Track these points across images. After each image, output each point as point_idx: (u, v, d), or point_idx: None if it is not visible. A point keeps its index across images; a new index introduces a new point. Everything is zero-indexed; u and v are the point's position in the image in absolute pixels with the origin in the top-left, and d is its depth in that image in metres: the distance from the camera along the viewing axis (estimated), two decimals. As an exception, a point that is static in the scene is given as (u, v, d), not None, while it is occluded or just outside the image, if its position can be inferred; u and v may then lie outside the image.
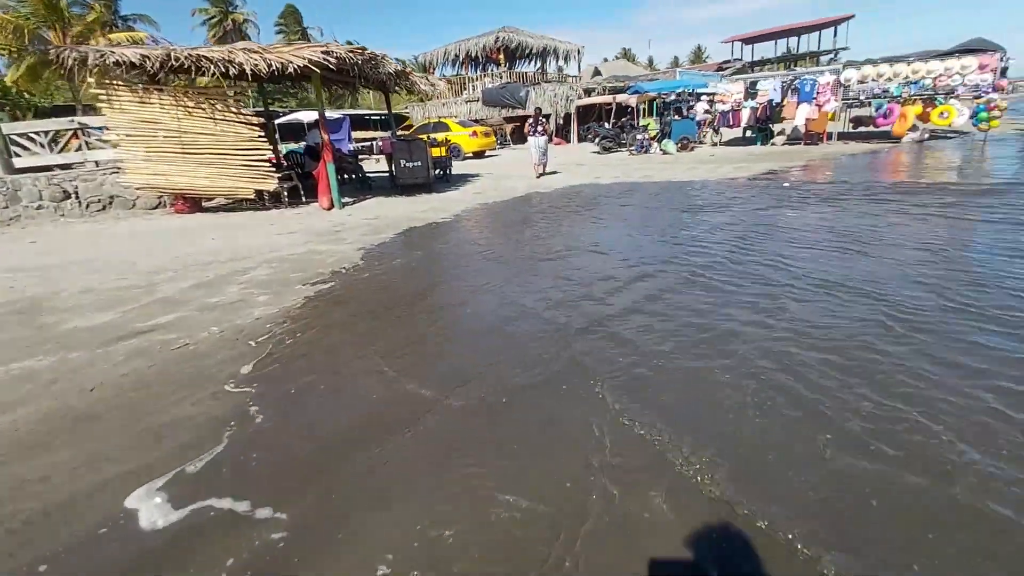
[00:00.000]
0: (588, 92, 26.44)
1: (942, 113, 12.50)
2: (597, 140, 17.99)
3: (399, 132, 17.25)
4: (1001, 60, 11.55)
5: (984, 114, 11.90)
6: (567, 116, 25.95)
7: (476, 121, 23.80)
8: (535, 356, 2.91)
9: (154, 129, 8.22)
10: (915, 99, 13.10)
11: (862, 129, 16.02)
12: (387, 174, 12.10)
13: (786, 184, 8.67)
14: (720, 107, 16.84)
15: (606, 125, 20.53)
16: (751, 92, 16.09)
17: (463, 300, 4.01)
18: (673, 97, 17.81)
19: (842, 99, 14.48)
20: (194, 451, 2.20)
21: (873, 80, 13.55)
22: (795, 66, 30.43)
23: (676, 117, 16.82)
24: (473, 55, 30.34)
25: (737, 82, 16.72)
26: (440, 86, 11.37)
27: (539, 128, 12.04)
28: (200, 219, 8.60)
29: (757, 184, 8.97)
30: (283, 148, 13.70)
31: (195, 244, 6.40)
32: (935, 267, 3.98)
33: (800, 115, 15.03)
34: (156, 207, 9.87)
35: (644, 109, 23.61)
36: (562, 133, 25.80)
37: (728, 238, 5.31)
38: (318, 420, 2.42)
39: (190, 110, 8.09)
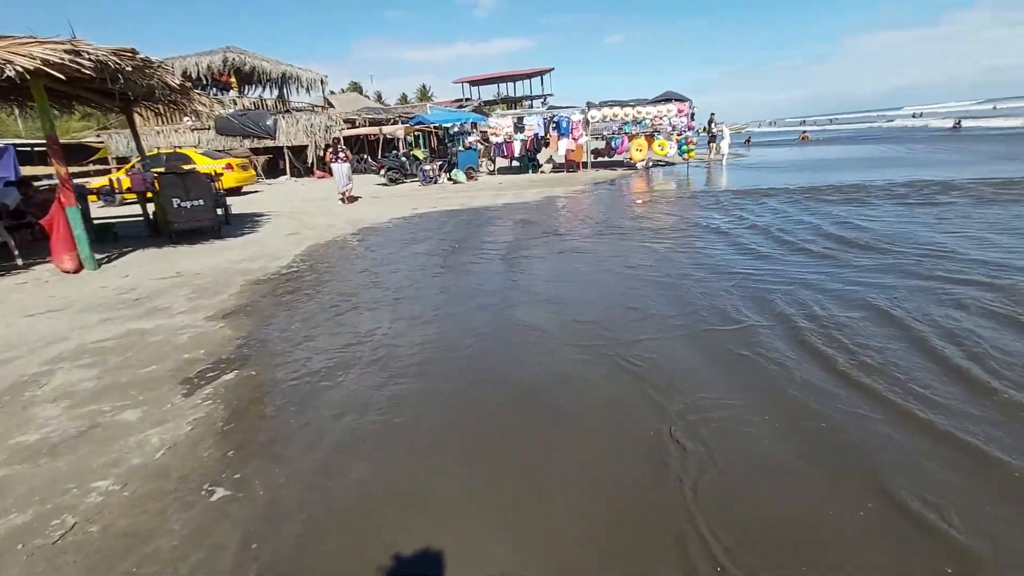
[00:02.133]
0: (351, 123, 25.58)
1: (660, 146, 16.59)
2: (383, 172, 17.51)
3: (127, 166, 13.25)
4: (691, 108, 16.14)
5: (685, 147, 16.36)
6: (327, 147, 24.50)
7: (221, 151, 20.25)
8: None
9: None
10: (640, 134, 16.99)
11: (604, 159, 19.89)
12: (139, 219, 9.20)
13: (609, 186, 10.07)
14: (494, 139, 18.50)
15: (379, 157, 20.20)
16: (519, 127, 18.19)
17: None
18: (456, 129, 18.75)
19: (591, 133, 17.70)
20: None
21: (611, 119, 17.00)
22: (516, 106, 36.12)
23: (461, 148, 17.74)
24: (194, 76, 25.87)
25: (506, 117, 18.68)
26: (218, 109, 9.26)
27: (341, 155, 11.87)
28: None
29: (592, 192, 10.16)
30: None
31: None
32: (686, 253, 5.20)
33: (561, 147, 17.74)
34: None
35: (412, 141, 24.11)
36: (322, 166, 24.21)
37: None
38: None
39: None
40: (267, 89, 29.05)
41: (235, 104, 25.93)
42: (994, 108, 64.21)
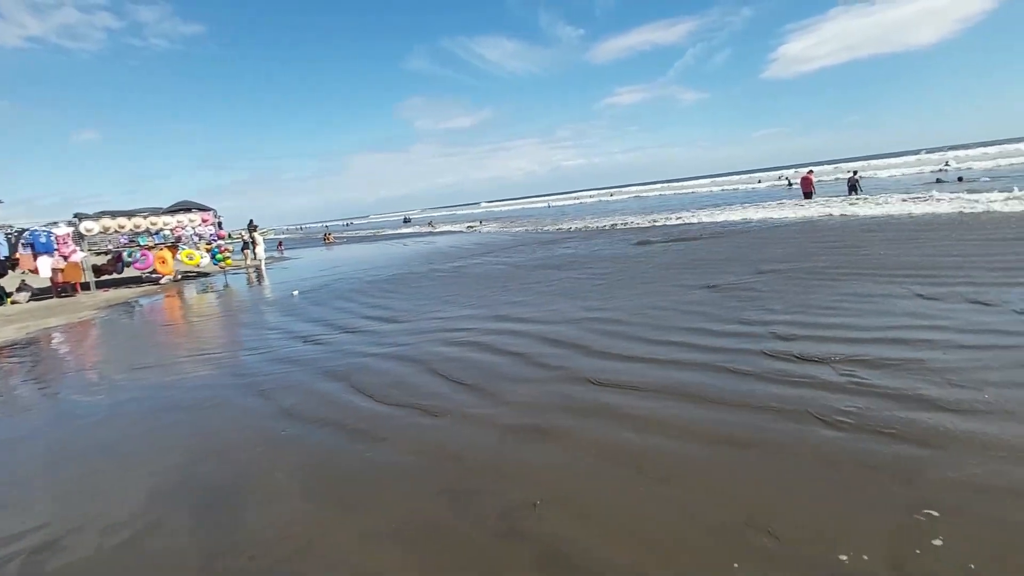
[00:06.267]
0: None
1: (189, 256, 15.79)
2: None
3: None
4: (216, 216, 16.21)
5: (219, 255, 16.23)
6: None
7: None
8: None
9: None
10: (161, 246, 15.65)
11: (113, 276, 16.92)
12: None
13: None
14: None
15: None
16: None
17: None
18: None
19: (88, 248, 14.87)
20: None
21: (117, 231, 14.91)
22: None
23: None
24: None
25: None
26: None
27: None
28: None
29: (106, 320, 8.54)
30: None
31: None
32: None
33: (44, 267, 14.08)
34: None
35: None
36: None
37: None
38: None
39: None
40: None
41: None
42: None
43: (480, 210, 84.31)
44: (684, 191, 52.19)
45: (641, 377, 4.00)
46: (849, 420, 3.00)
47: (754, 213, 17.18)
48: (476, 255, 15.46)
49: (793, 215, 15.56)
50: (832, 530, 2.13)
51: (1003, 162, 30.87)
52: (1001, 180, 20.70)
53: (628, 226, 19.43)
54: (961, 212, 11.80)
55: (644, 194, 58.61)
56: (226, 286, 14.80)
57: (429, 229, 39.88)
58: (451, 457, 3.11)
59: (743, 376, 3.80)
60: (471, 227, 34.65)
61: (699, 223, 17.26)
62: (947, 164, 26.04)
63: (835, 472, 2.55)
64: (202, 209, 16.14)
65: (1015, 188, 13.07)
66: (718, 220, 17.35)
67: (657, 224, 18.67)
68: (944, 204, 12.88)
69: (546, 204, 69.42)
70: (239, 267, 19.48)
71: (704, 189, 49.05)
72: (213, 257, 16.38)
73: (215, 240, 16.49)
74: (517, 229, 25.65)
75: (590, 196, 77.88)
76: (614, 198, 61.21)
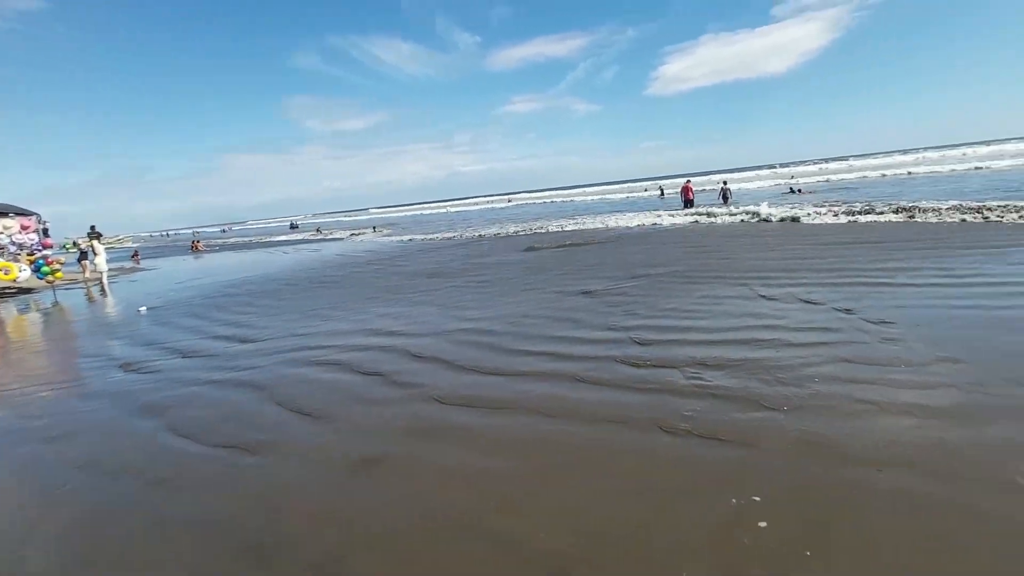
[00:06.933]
0: None
1: (5, 269, 13.17)
2: None
3: None
4: (40, 223, 13.66)
5: (46, 268, 13.71)
6: None
7: None
8: None
9: None
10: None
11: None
12: None
13: None
14: None
15: None
16: None
17: None
18: None
19: None
20: None
21: None
22: None
23: None
24: None
25: None
26: None
27: None
28: None
29: None
30: None
31: None
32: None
33: None
34: None
35: None
36: None
37: None
38: None
39: None
40: None
41: None
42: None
43: (373, 216, 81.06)
44: (579, 198, 54.48)
45: (498, 393, 3.83)
46: (686, 426, 3.04)
47: (640, 220, 18.21)
48: (360, 264, 14.66)
49: (671, 222, 16.71)
50: (661, 526, 2.06)
51: (833, 177, 36.09)
52: (837, 192, 24.03)
53: (521, 232, 19.66)
54: (800, 220, 13.38)
55: (541, 200, 60.17)
56: (55, 304, 12.58)
57: (317, 235, 37.58)
58: (266, 504, 2.67)
59: (599, 387, 3.77)
60: (355, 235, 33.17)
61: (588, 229, 17.90)
62: (793, 177, 29.85)
63: (672, 475, 2.53)
64: (21, 214, 13.55)
65: (846, 202, 15.09)
66: (607, 226, 18.15)
67: (549, 230, 19.08)
68: (782, 212, 14.52)
69: (444, 210, 68.73)
70: (75, 281, 16.70)
71: (597, 196, 51.62)
72: (38, 270, 13.80)
73: (39, 250, 13.91)
74: (409, 236, 24.90)
75: (488, 202, 78.50)
76: (512, 204, 62.11)
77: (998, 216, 10.16)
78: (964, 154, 46.78)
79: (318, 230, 43.41)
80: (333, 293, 9.73)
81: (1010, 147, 49.13)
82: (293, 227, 56.10)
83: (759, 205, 16.00)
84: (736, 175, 54.79)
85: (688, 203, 21.10)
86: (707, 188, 35.47)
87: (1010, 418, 2.80)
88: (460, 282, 9.37)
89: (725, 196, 21.86)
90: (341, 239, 30.89)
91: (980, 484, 2.29)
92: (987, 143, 72.68)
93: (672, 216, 18.20)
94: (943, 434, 2.72)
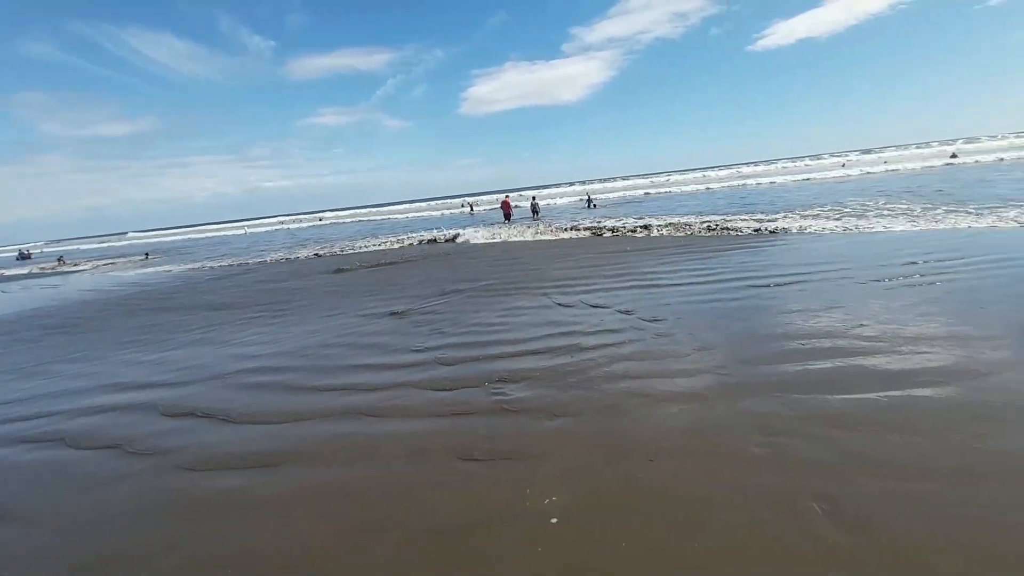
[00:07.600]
0: None
1: None
2: None
3: None
4: None
5: None
6: None
7: None
8: None
9: None
10: None
11: None
12: None
13: None
14: None
15: None
16: None
17: None
18: None
19: None
20: None
21: None
22: None
23: None
24: None
25: None
26: None
27: None
28: None
29: None
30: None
31: None
32: None
33: None
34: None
35: None
36: None
37: None
38: None
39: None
40: None
41: None
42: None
43: (149, 240, 67.83)
44: (397, 215, 53.40)
45: (271, 444, 3.27)
46: (486, 448, 2.92)
47: (458, 235, 18.41)
48: (114, 303, 11.89)
49: (483, 239, 17.23)
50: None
51: (628, 193, 41.92)
52: (624, 208, 27.73)
53: (329, 254, 18.32)
54: (591, 234, 15.00)
55: (357, 219, 57.47)
56: None
57: (58, 267, 29.96)
58: None
59: (397, 419, 3.48)
60: (112, 264, 27.42)
61: (402, 247, 17.49)
62: (587, 194, 33.79)
63: (466, 508, 2.34)
64: None
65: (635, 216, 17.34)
66: (422, 243, 17.97)
67: (361, 250, 18.14)
68: (582, 228, 16.21)
69: (243, 231, 61.04)
70: None
71: (415, 213, 51.25)
72: None
73: None
74: (195, 264, 21.26)
75: (296, 221, 72.21)
76: (324, 223, 58.11)
77: (734, 230, 12.70)
78: (705, 175, 59.08)
79: (60, 260, 34.59)
80: (68, 341, 7.64)
81: (721, 173, 63.47)
82: (23, 257, 43.60)
83: (566, 221, 17.49)
84: (544, 191, 59.96)
85: (507, 217, 22.26)
86: (520, 204, 38.01)
87: (743, 394, 3.28)
88: (252, 313, 8.19)
89: (535, 209, 23.55)
90: (97, 270, 25.03)
91: (726, 460, 2.58)
92: (724, 167, 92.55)
93: (485, 230, 18.87)
94: (702, 414, 3.06)
